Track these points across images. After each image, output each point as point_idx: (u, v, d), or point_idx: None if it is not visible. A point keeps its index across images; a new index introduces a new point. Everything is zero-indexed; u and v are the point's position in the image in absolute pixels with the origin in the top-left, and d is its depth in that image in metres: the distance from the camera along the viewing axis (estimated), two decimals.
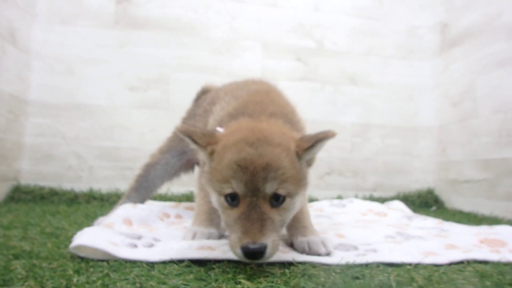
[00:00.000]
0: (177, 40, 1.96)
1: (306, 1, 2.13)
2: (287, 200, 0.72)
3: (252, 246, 0.64)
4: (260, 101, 0.88)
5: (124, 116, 1.89)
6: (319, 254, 0.79)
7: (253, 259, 0.65)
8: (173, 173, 1.25)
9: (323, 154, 2.07)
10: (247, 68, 2.01)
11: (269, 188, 0.69)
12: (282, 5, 2.11)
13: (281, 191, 0.70)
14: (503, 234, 0.96)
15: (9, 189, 1.68)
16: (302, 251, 0.81)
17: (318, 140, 0.74)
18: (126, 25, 1.92)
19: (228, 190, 0.70)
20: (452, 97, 2.08)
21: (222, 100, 0.97)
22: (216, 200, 0.74)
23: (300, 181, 0.74)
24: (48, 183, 1.77)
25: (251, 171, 0.69)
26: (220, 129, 0.84)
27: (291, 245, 0.87)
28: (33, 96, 1.82)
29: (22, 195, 1.64)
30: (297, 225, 0.87)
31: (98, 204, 1.65)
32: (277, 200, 0.70)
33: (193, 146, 0.77)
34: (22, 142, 1.79)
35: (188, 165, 1.30)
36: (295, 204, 0.74)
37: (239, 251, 0.65)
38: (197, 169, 1.02)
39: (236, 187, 0.69)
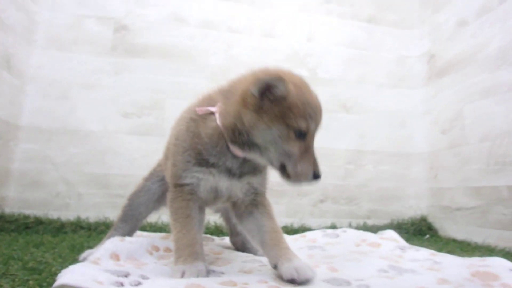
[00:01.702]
0: (173, 67, 2.01)
1: (300, 32, 2.24)
2: None
3: (320, 173, 0.85)
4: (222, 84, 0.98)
5: (116, 141, 1.88)
6: (307, 279, 0.81)
7: (316, 180, 0.85)
8: (156, 200, 1.23)
9: None
10: None
11: (318, 128, 0.89)
12: (277, 35, 2.20)
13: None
14: (495, 267, 0.96)
15: None
16: (291, 277, 0.81)
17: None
18: (123, 52, 1.97)
19: (304, 125, 0.83)
20: (442, 124, 2.15)
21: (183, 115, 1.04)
22: (278, 132, 0.83)
23: None
24: (34, 211, 1.72)
25: (320, 114, 0.88)
26: (212, 108, 0.92)
27: (274, 268, 0.87)
28: (24, 121, 1.81)
29: (5, 224, 1.58)
30: (279, 246, 0.89)
31: (85, 233, 1.59)
32: None
33: (280, 90, 0.83)
34: (10, 168, 1.75)
35: None
36: None
37: (311, 174, 0.83)
38: (168, 196, 0.97)
39: (312, 124, 0.85)
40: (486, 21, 1.89)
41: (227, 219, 1.30)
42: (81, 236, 1.53)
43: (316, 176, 0.84)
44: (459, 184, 1.96)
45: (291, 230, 1.85)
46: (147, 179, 1.24)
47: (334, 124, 2.19)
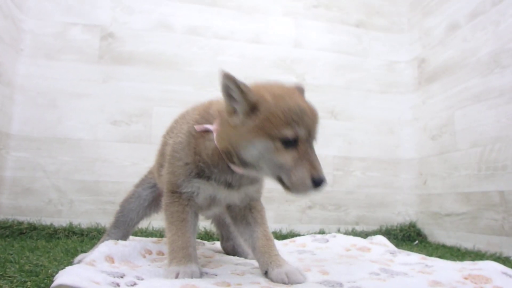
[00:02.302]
0: (160, 75, 2.17)
1: (287, 37, 2.38)
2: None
3: (322, 177, 0.86)
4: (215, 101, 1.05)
5: (106, 149, 2.05)
6: (299, 283, 0.88)
7: (319, 187, 0.86)
8: (147, 206, 1.32)
9: None
10: None
11: (316, 133, 0.91)
12: (264, 41, 2.35)
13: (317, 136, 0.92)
14: (487, 270, 1.01)
15: None
16: (282, 282, 0.89)
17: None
18: (110, 60, 2.13)
19: (289, 133, 0.85)
20: (431, 131, 2.28)
21: (178, 123, 1.12)
22: (262, 145, 0.86)
23: None
24: (27, 217, 1.90)
25: (311, 117, 0.89)
26: (209, 127, 0.98)
27: (265, 274, 0.96)
28: (15, 129, 1.98)
29: (0, 231, 1.76)
30: (270, 252, 0.97)
31: (78, 239, 1.77)
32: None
33: (234, 92, 0.88)
34: (2, 176, 1.93)
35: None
36: None
37: (309, 182, 0.84)
38: (162, 200, 1.06)
39: (299, 130, 0.86)
40: (478, 25, 1.96)
41: (218, 225, 1.42)
42: (74, 241, 1.70)
43: (316, 182, 0.84)
44: (448, 190, 2.08)
45: (280, 236, 2.00)
46: (138, 185, 1.34)
47: (321, 131, 2.31)
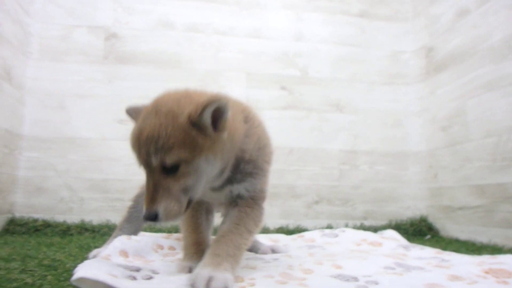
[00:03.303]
0: (162, 73, 2.32)
1: (289, 31, 2.47)
2: (183, 166, 0.83)
3: (145, 212, 0.82)
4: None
5: (112, 148, 2.22)
6: None
7: (153, 221, 0.82)
8: None
9: (311, 182, 2.37)
10: None
11: (154, 159, 0.82)
12: (265, 35, 2.45)
13: (168, 161, 0.81)
14: (509, 264, 1.01)
15: (4, 221, 2.00)
16: (191, 284, 0.83)
17: (206, 106, 0.82)
18: (114, 60, 2.28)
19: (137, 162, 0.87)
20: (440, 122, 2.31)
21: None
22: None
23: (197, 146, 0.83)
24: (41, 215, 2.10)
25: (137, 145, 0.85)
26: None
27: (189, 271, 0.96)
28: (26, 130, 2.17)
29: (17, 228, 1.96)
30: (210, 251, 0.91)
31: (90, 235, 1.95)
32: (169, 168, 0.82)
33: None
34: (16, 175, 2.12)
35: None
36: (199, 168, 0.85)
37: (144, 217, 0.82)
38: None
39: (137, 158, 0.86)
40: (489, 9, 1.95)
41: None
42: (86, 237, 1.88)
43: (143, 217, 0.82)
44: (461, 183, 2.10)
45: (287, 231, 2.11)
46: None
47: (326, 125, 2.45)
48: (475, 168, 2.00)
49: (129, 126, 2.27)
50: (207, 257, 0.89)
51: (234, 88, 2.36)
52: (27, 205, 2.12)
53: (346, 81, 2.49)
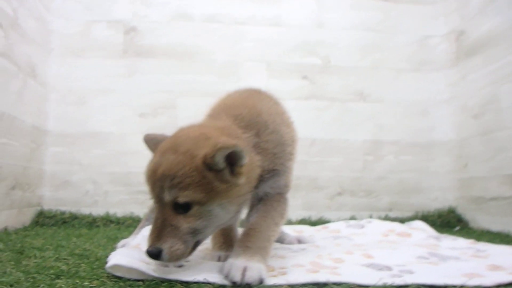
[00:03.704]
0: (181, 66, 2.36)
1: (309, 18, 2.44)
2: (195, 207, 0.83)
3: (148, 249, 0.83)
4: (230, 103, 1.07)
5: (134, 142, 2.29)
6: (234, 282, 0.82)
7: (155, 259, 0.83)
8: None
9: (333, 174, 2.37)
10: None
11: (167, 196, 0.83)
12: (285, 23, 2.44)
13: (181, 199, 0.82)
14: None
15: (34, 214, 2.12)
16: (225, 274, 0.85)
17: (217, 150, 0.82)
18: (133, 54, 2.34)
19: (150, 196, 0.88)
20: (472, 109, 2.25)
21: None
22: None
23: (212, 189, 0.83)
24: (68, 208, 2.21)
25: (152, 180, 0.86)
26: None
27: (218, 259, 1.02)
28: (51, 126, 2.27)
29: (46, 220, 2.08)
30: (240, 243, 0.92)
31: (115, 227, 2.04)
32: (180, 207, 0.83)
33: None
34: (43, 170, 2.23)
35: None
36: (211, 212, 0.85)
37: (148, 253, 0.83)
38: None
39: (151, 194, 0.88)
40: None
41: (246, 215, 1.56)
42: (112, 229, 1.97)
43: (146, 252, 0.83)
44: (493, 172, 2.06)
45: (309, 223, 2.12)
46: None
47: (350, 114, 2.42)
48: (510, 157, 1.95)
49: (150, 120, 2.36)
50: (239, 249, 0.90)
51: (254, 79, 2.36)
52: (55, 198, 2.23)
53: (370, 69, 2.45)
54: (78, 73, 2.31)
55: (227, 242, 1.07)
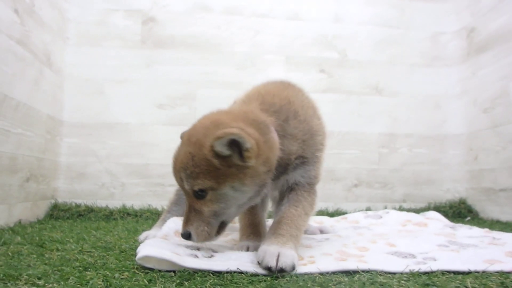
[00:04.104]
0: (201, 57, 2.17)
1: (327, 12, 2.31)
2: (210, 193, 0.85)
3: (181, 232, 0.88)
4: (264, 92, 1.03)
5: (152, 133, 2.08)
6: (269, 268, 0.79)
7: (188, 240, 0.88)
8: None
9: (350, 166, 2.21)
10: None
11: (186, 185, 0.86)
12: (304, 17, 2.29)
13: (197, 187, 0.84)
14: None
15: (48, 207, 1.88)
16: (259, 260, 0.82)
17: (216, 139, 0.81)
18: (152, 45, 2.13)
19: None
20: (482, 103, 2.18)
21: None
22: None
23: (222, 174, 0.82)
24: (84, 200, 1.98)
25: (173, 172, 0.90)
26: None
27: (247, 249, 0.97)
28: (66, 116, 2.04)
29: (60, 213, 1.85)
30: (273, 231, 0.90)
31: (132, 220, 1.83)
32: (199, 194, 0.85)
33: None
34: (58, 161, 2.00)
35: None
36: (226, 195, 0.84)
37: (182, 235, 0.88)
38: None
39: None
40: None
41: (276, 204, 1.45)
42: (130, 221, 1.76)
43: (181, 235, 0.88)
44: (503, 164, 2.00)
45: (327, 214, 2.01)
46: None
47: (366, 108, 2.28)
48: None
49: (168, 111, 2.15)
50: (271, 236, 0.88)
51: (273, 72, 2.20)
52: (70, 191, 2.00)
53: (386, 64, 2.33)
54: (95, 63, 2.09)
55: (255, 233, 1.03)
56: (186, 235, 0.87)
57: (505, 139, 1.98)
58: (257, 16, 2.23)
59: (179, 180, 0.87)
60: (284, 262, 0.79)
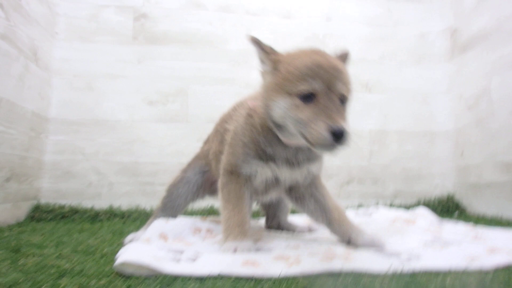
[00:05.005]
0: (194, 53, 1.99)
1: (318, 11, 2.18)
2: (345, 103, 0.85)
3: (340, 127, 0.75)
4: None
5: (143, 130, 1.89)
6: (382, 246, 0.92)
7: (339, 140, 0.75)
8: (195, 191, 1.24)
9: (342, 162, 2.07)
10: None
11: (340, 87, 0.82)
12: (295, 16, 2.15)
13: (345, 92, 0.84)
14: None
15: (29, 208, 1.66)
16: (370, 246, 0.93)
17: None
18: (144, 40, 1.95)
19: (306, 88, 0.80)
20: (467, 100, 2.08)
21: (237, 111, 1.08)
22: (284, 103, 0.83)
23: (351, 90, 0.88)
24: (68, 201, 1.76)
25: (328, 71, 0.82)
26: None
27: (348, 242, 0.97)
28: (53, 113, 1.83)
29: (43, 214, 1.62)
30: (348, 223, 1.00)
31: (119, 221, 1.62)
32: (342, 99, 0.83)
33: (259, 53, 0.92)
34: (43, 160, 1.78)
35: (211, 186, 1.28)
36: (348, 110, 0.87)
37: (326, 133, 0.76)
38: (219, 182, 1.02)
39: (314, 84, 0.80)
40: None
41: (264, 206, 1.34)
42: (116, 223, 1.55)
43: (334, 133, 0.75)
44: (487, 159, 1.90)
45: None
46: (186, 170, 1.25)
47: (356, 105, 2.14)
48: (502, 145, 1.81)
49: (160, 108, 1.96)
50: (355, 228, 0.98)
51: None
52: (54, 191, 1.77)
53: (375, 61, 2.20)
54: (85, 58, 1.88)
55: (243, 232, 0.93)
56: (347, 132, 0.76)
57: (489, 135, 1.89)
58: (250, 14, 2.08)
59: (334, 80, 0.81)
60: (382, 241, 0.95)
